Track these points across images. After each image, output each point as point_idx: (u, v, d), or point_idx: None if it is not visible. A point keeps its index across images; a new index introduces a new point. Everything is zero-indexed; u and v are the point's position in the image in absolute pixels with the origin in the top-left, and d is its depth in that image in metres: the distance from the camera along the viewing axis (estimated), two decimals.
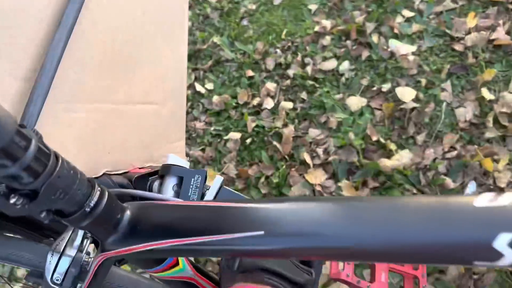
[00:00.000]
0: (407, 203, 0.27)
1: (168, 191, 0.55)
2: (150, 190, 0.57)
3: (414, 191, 1.29)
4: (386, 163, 1.32)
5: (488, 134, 1.33)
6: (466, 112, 1.39)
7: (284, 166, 1.42)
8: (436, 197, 0.26)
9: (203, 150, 1.56)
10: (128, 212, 0.35)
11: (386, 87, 1.48)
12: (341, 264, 0.65)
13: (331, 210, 0.28)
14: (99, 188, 0.33)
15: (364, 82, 1.52)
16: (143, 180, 0.57)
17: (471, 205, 0.24)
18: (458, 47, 1.51)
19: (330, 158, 1.39)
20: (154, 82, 0.65)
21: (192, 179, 0.55)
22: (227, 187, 0.55)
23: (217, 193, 0.55)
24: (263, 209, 0.30)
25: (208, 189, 0.55)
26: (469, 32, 1.52)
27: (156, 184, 0.57)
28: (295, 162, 1.43)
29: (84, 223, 0.32)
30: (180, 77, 0.73)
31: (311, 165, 1.39)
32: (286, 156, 1.44)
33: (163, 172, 0.56)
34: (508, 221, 0.23)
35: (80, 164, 0.51)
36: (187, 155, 1.57)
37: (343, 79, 1.55)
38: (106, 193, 0.34)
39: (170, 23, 0.64)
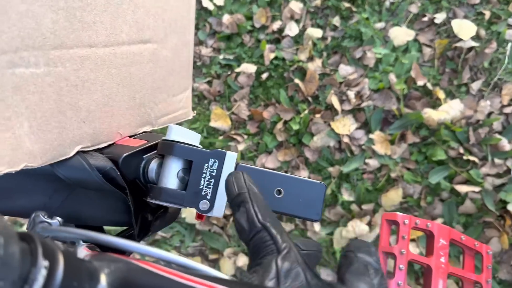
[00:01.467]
0: None
1: (169, 179, 0.41)
2: (145, 173, 0.43)
3: (461, 150, 1.15)
4: (431, 115, 1.16)
5: None
6: None
7: (306, 110, 1.26)
8: None
9: (209, 83, 1.39)
10: (102, 285, 0.21)
11: (440, 17, 1.27)
12: (391, 268, 0.56)
13: None
14: (46, 262, 0.18)
15: (413, 9, 1.30)
16: (135, 159, 0.43)
17: None
18: None
19: (363, 104, 1.22)
20: (150, 11, 0.48)
21: (205, 165, 0.41)
22: (244, 164, 0.40)
23: None
24: None
25: (221, 173, 0.41)
26: None
27: (153, 166, 0.43)
28: (319, 106, 1.27)
29: None
30: (187, 0, 0.56)
31: (339, 111, 1.23)
32: (309, 98, 1.28)
33: (163, 151, 0.42)
34: None
35: (39, 146, 0.36)
36: None
37: (387, 3, 1.33)
38: (60, 263, 0.19)
39: None
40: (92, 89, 0.41)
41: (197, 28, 1.46)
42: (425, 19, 1.28)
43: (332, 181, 1.21)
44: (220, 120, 1.32)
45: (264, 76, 1.33)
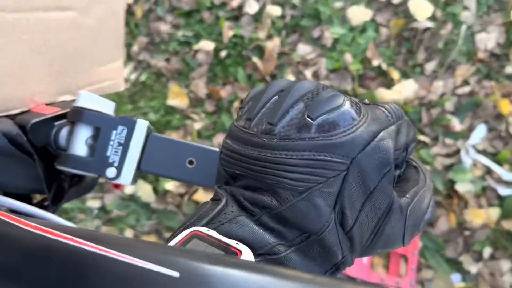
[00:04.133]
0: None
1: (78, 146, 0.42)
2: (56, 140, 0.44)
3: None
4: (385, 95, 1.19)
5: (509, 69, 1.20)
6: (488, 39, 1.23)
7: None
8: None
9: (167, 60, 1.38)
10: None
11: None
12: None
13: None
14: None
15: None
16: (45, 126, 0.44)
17: None
18: None
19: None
20: None
21: (114, 132, 0.41)
22: (158, 134, 0.41)
23: (144, 145, 0.42)
24: (170, 280, 0.17)
25: (130, 141, 0.41)
26: None
27: (64, 133, 0.44)
28: None
29: None
30: None
31: None
32: (267, 77, 1.29)
33: (72, 118, 0.42)
34: None
35: None
36: (148, 65, 1.39)
37: None
38: None
39: None
40: (1, 54, 0.41)
41: (156, 3, 1.45)
42: None
43: None
44: (177, 98, 1.31)
45: (223, 54, 1.33)
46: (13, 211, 0.38)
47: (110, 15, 0.56)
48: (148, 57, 1.40)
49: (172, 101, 1.32)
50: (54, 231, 0.21)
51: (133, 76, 1.40)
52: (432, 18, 1.26)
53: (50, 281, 0.19)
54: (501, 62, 1.22)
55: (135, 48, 1.42)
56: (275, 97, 0.26)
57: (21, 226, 0.21)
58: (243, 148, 0.26)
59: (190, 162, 0.42)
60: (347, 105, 0.24)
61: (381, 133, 0.24)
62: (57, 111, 0.45)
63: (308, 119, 0.24)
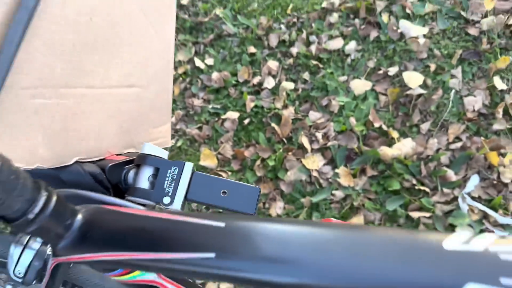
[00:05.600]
0: (373, 236, 0.25)
1: (143, 182, 0.53)
2: (125, 179, 0.56)
3: (414, 181, 1.27)
4: (387, 151, 1.29)
5: (496, 126, 1.29)
6: (475, 102, 1.34)
7: (281, 149, 1.39)
8: (405, 232, 0.24)
9: (200, 128, 1.54)
10: (79, 217, 0.33)
11: (393, 70, 1.43)
12: None
13: (291, 236, 0.26)
14: (46, 192, 0.31)
15: (371, 64, 1.47)
16: (118, 168, 0.56)
17: (440, 247, 0.22)
18: (472, 31, 1.44)
19: (329, 143, 1.36)
20: (135, 65, 0.62)
21: (169, 171, 0.53)
22: (200, 172, 0.53)
23: (190, 181, 0.52)
24: (219, 228, 0.28)
25: (180, 177, 0.53)
26: (485, 15, 1.45)
27: (131, 173, 0.55)
28: (292, 146, 1.40)
29: (30, 229, 0.30)
30: (166, 59, 0.70)
31: (309, 150, 1.36)
32: (284, 139, 1.41)
33: (138, 162, 0.54)
34: (477, 270, 0.21)
35: (48, 153, 0.49)
36: (184, 133, 1.55)
37: (348, 60, 1.50)
38: (54, 197, 0.31)
39: (155, 1, 0.61)
40: (89, 117, 0.54)
41: (190, 83, 1.63)
42: (380, 72, 1.44)
43: (304, 210, 1.31)
44: (208, 160, 1.44)
45: (246, 121, 1.48)
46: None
47: (163, 90, 0.70)
48: (184, 127, 1.56)
49: (203, 162, 1.45)
50: (147, 211, 0.32)
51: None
52: (424, 85, 1.38)
53: (149, 242, 0.29)
54: (488, 120, 1.32)
55: (173, 119, 1.59)
56: None
57: (123, 211, 0.32)
58: None
59: (224, 193, 0.53)
60: None
61: None
62: (126, 158, 0.57)
63: None
